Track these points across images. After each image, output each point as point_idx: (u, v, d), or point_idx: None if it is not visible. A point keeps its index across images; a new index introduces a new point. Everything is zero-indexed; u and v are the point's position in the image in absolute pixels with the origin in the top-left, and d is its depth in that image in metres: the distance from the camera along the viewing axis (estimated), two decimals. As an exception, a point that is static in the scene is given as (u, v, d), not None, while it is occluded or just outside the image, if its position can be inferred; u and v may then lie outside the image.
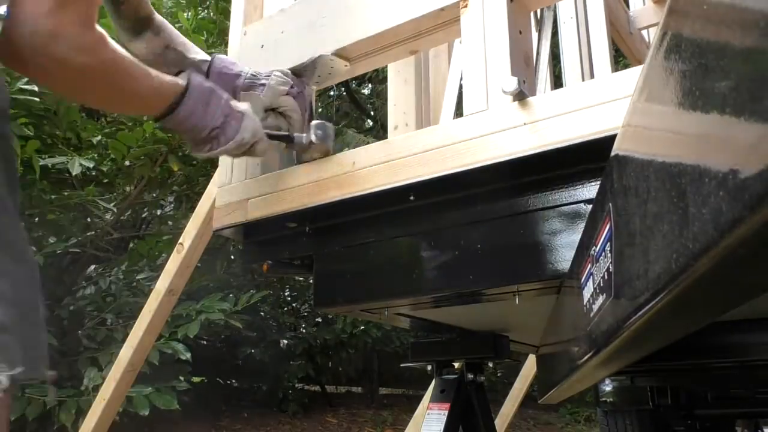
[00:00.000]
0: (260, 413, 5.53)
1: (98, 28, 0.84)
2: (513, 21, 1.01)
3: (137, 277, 4.01)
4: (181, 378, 3.62)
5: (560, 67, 2.06)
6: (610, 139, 0.67)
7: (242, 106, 1.10)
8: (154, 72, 0.97)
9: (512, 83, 0.91)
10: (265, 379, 5.84)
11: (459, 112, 1.43)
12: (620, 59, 3.71)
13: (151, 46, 1.14)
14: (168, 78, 1.00)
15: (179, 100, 1.00)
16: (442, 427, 1.45)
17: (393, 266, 1.16)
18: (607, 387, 2.26)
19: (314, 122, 1.21)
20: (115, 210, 3.79)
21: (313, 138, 1.18)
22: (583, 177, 0.93)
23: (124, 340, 2.33)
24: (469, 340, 1.64)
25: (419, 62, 1.87)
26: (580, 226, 0.92)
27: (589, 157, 0.88)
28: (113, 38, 0.89)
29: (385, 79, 2.56)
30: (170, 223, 4.53)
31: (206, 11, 4.32)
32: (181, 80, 1.02)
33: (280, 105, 1.19)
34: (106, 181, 3.80)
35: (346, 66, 1.25)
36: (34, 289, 0.80)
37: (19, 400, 3.03)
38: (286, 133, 1.20)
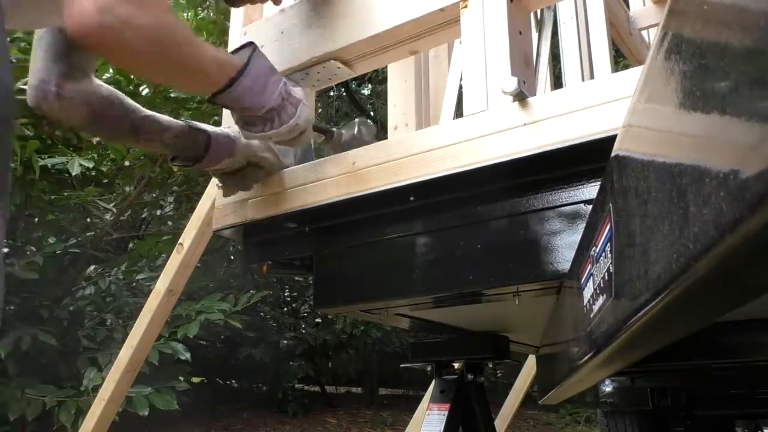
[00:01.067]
0: (260, 413, 5.53)
1: None
2: (513, 21, 1.01)
3: (137, 278, 4.01)
4: (181, 378, 3.62)
5: (560, 67, 2.05)
6: (610, 140, 0.67)
7: (299, 92, 1.07)
8: (209, 44, 0.94)
9: (512, 83, 0.91)
10: (265, 379, 5.84)
11: (459, 112, 1.43)
12: (620, 59, 3.71)
13: (100, 91, 1.06)
14: (225, 51, 0.96)
15: (238, 76, 0.96)
16: (441, 427, 1.45)
17: (393, 266, 1.16)
18: (607, 388, 2.26)
19: (357, 120, 1.26)
20: (114, 210, 3.79)
21: (354, 132, 1.22)
22: (583, 177, 0.93)
23: (123, 340, 2.33)
24: (469, 341, 1.64)
25: (419, 62, 1.87)
26: (580, 227, 0.92)
27: (589, 158, 0.88)
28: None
29: (385, 80, 2.56)
30: (170, 223, 4.54)
31: (206, 11, 4.33)
32: (239, 56, 0.98)
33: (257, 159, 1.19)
34: (105, 181, 3.80)
35: (350, 74, 1.27)
36: None
37: (18, 401, 3.03)
38: (328, 126, 1.23)
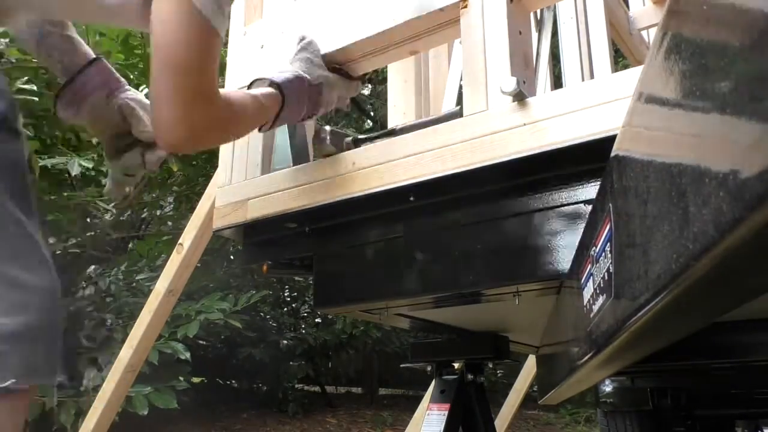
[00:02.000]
0: (260, 413, 5.53)
1: (217, 93, 0.89)
2: (513, 21, 1.01)
3: (137, 278, 4.01)
4: (181, 378, 3.62)
5: (560, 67, 2.05)
6: (610, 140, 0.67)
7: (321, 74, 1.14)
8: (251, 93, 1.02)
9: (512, 83, 0.91)
10: (265, 379, 5.84)
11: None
12: (620, 59, 3.70)
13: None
14: (263, 92, 1.03)
15: (280, 110, 1.05)
16: (441, 427, 1.45)
17: (393, 266, 1.16)
18: (607, 388, 2.25)
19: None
20: (114, 210, 3.79)
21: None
22: (583, 177, 0.93)
23: (123, 341, 2.33)
24: (469, 341, 1.64)
25: (419, 62, 1.87)
26: (580, 227, 0.92)
27: (589, 158, 0.88)
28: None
29: (385, 80, 2.56)
30: (170, 223, 4.53)
31: (206, 11, 4.31)
32: (272, 88, 1.04)
33: None
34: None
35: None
36: (51, 296, 0.87)
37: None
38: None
